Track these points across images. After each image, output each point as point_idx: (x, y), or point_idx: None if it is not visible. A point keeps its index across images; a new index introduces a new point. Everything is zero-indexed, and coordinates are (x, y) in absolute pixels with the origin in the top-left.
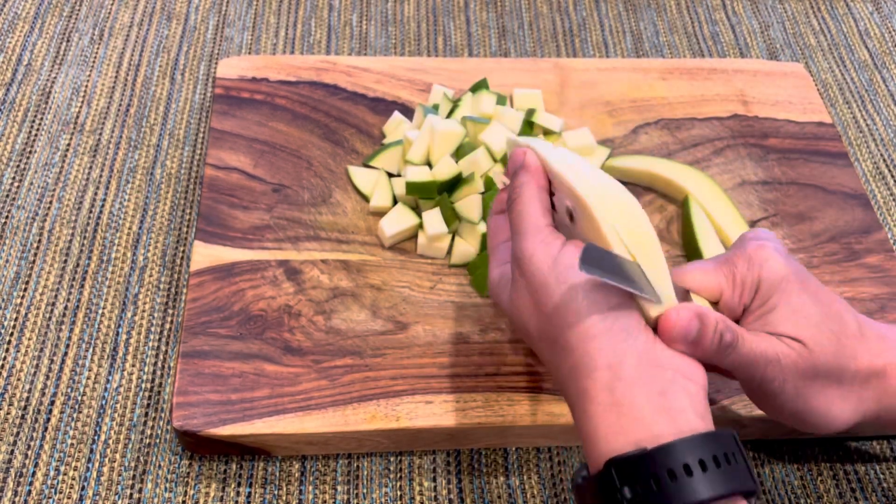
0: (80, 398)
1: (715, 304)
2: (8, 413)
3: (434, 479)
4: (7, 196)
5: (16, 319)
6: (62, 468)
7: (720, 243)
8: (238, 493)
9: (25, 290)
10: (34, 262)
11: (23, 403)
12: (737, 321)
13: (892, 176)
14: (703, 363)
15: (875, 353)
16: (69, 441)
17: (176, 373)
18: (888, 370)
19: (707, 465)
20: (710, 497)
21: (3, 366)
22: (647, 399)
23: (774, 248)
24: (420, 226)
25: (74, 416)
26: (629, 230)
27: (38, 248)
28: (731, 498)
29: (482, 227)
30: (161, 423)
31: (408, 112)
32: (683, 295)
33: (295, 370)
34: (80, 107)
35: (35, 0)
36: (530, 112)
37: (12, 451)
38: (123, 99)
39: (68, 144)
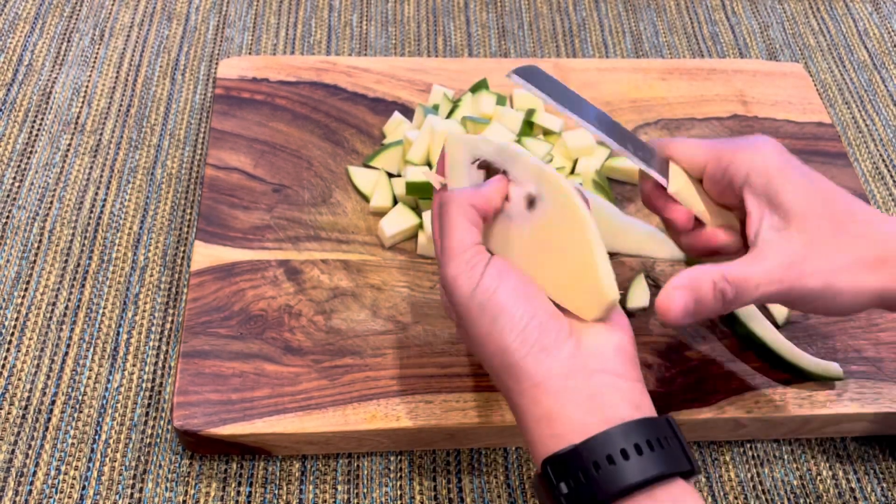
0: (80, 398)
1: (700, 181)
2: (9, 413)
3: (434, 479)
4: (8, 196)
5: (16, 319)
6: (63, 468)
7: None
8: (238, 493)
9: (26, 289)
10: (35, 261)
11: (23, 403)
12: (719, 196)
13: (892, 176)
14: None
15: (880, 239)
16: (70, 441)
17: (176, 372)
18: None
19: (630, 453)
20: (640, 480)
21: (3, 365)
22: (577, 405)
23: (764, 142)
24: (420, 226)
25: (75, 415)
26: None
27: (38, 248)
28: (668, 480)
29: None
30: (161, 422)
31: (408, 112)
32: (662, 164)
33: (295, 370)
34: (81, 107)
35: (36, 0)
36: (530, 112)
37: (13, 451)
38: (124, 99)
39: (69, 144)
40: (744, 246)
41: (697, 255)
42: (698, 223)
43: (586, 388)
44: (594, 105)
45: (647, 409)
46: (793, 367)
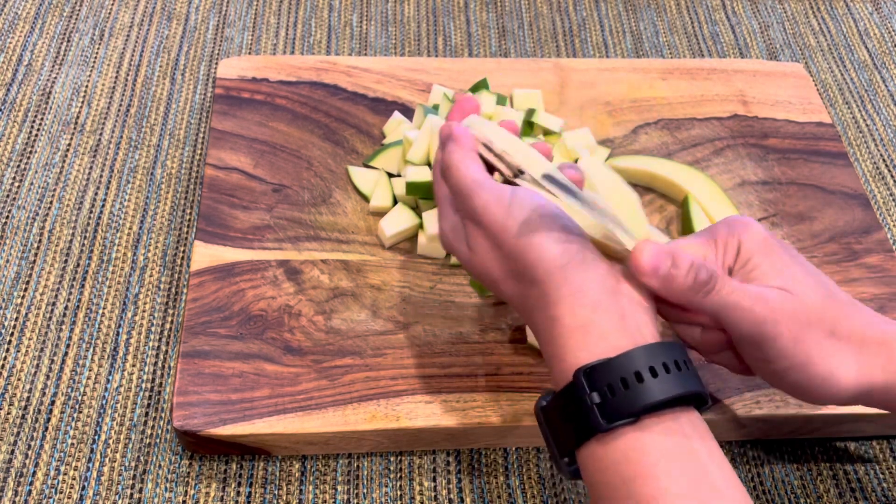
0: (80, 398)
1: None
2: (8, 413)
3: (434, 479)
4: (7, 196)
5: (16, 319)
6: (62, 468)
7: None
8: (238, 493)
9: (26, 290)
10: (34, 262)
11: (23, 403)
12: None
13: (892, 176)
14: (689, 316)
15: (873, 322)
16: (69, 441)
17: (176, 373)
18: (891, 342)
19: (657, 371)
20: (669, 398)
21: (3, 366)
22: (609, 320)
23: (753, 220)
24: (420, 226)
25: (75, 415)
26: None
27: (38, 248)
28: (684, 407)
29: None
30: (161, 422)
31: (408, 112)
32: None
33: (295, 370)
34: (81, 107)
35: (35, 0)
36: (530, 112)
37: (13, 451)
38: (124, 99)
39: (69, 144)
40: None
41: (717, 351)
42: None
43: (617, 307)
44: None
45: (659, 338)
46: None
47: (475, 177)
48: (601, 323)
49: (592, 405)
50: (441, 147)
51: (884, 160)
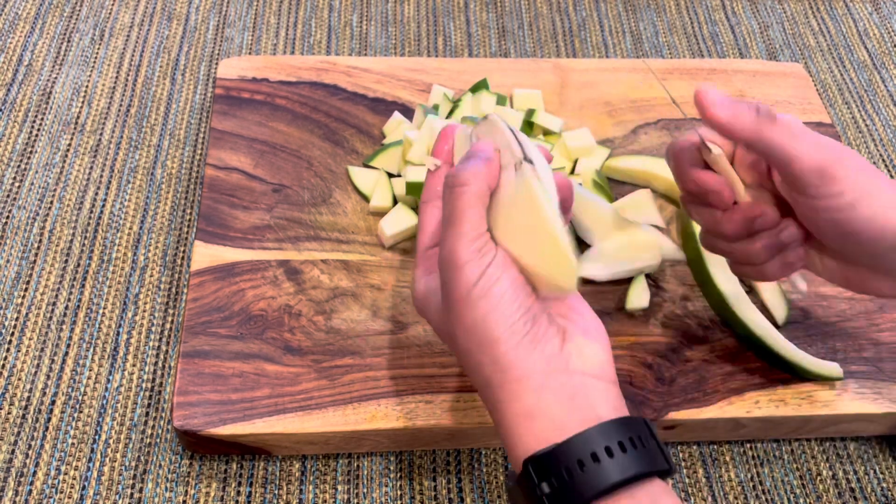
0: (80, 398)
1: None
2: (9, 413)
3: (434, 479)
4: (8, 196)
5: (16, 319)
6: (63, 468)
7: None
8: (238, 493)
9: (26, 290)
10: (35, 262)
11: (23, 403)
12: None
13: (892, 176)
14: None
15: None
16: (70, 441)
17: (176, 373)
18: None
19: (613, 451)
20: (622, 479)
21: (3, 366)
22: (557, 403)
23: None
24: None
25: (75, 415)
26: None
27: (38, 248)
28: (646, 479)
29: None
30: (161, 422)
31: (408, 112)
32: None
33: (295, 370)
34: (81, 107)
35: (36, 0)
36: (530, 112)
37: (13, 451)
38: (124, 99)
39: (69, 144)
40: (779, 220)
41: (734, 233)
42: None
43: (567, 387)
44: None
45: (623, 410)
46: (793, 367)
47: (477, 224)
48: (547, 407)
49: (542, 496)
50: (463, 160)
51: (884, 160)
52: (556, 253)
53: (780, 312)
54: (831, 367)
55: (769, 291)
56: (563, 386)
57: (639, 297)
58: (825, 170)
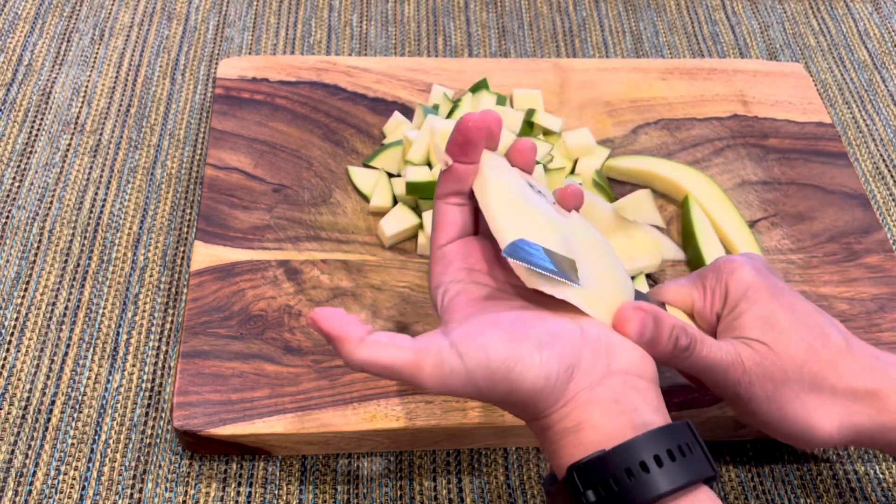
0: (80, 398)
1: (691, 316)
2: (8, 413)
3: (434, 479)
4: (8, 196)
5: (16, 319)
6: (62, 468)
7: (720, 243)
8: (238, 493)
9: (26, 290)
10: (35, 262)
11: (23, 403)
12: (713, 332)
13: (892, 176)
14: (670, 367)
15: (866, 371)
16: (69, 441)
17: (176, 373)
18: (882, 392)
19: (663, 461)
20: (670, 489)
21: (3, 366)
22: (602, 412)
23: (744, 262)
24: (420, 226)
25: (75, 415)
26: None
27: (38, 248)
28: (693, 486)
29: None
30: (161, 422)
31: (408, 112)
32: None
33: (295, 370)
34: (81, 107)
35: (35, 0)
36: (530, 112)
37: (13, 451)
38: (124, 99)
39: (69, 144)
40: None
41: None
42: None
43: (610, 392)
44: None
45: (665, 413)
46: None
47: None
48: (593, 418)
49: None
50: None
51: (884, 160)
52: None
53: None
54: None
55: None
56: (606, 392)
57: None
58: (737, 399)
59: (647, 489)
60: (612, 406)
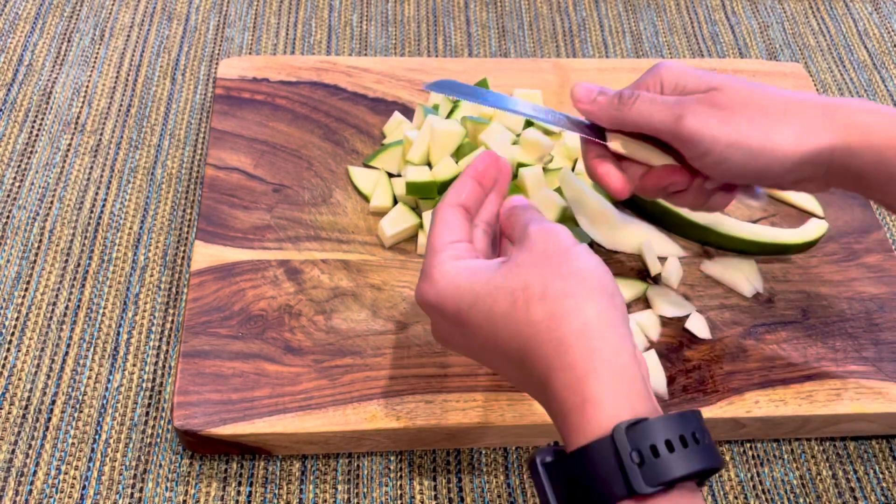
0: (80, 398)
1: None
2: (9, 413)
3: (434, 479)
4: (8, 196)
5: (17, 319)
6: (63, 467)
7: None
8: (239, 493)
9: (26, 289)
10: (35, 261)
11: (24, 403)
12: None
13: None
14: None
15: (811, 97)
16: (70, 440)
17: (177, 372)
18: (832, 106)
19: (688, 442)
20: (695, 470)
21: (3, 365)
22: (638, 380)
23: (666, 61)
24: (420, 226)
25: (75, 415)
26: None
27: (39, 247)
28: (686, 482)
29: None
30: (162, 422)
31: (408, 112)
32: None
33: (295, 370)
34: (81, 107)
35: (36, 0)
36: None
37: (13, 451)
38: (124, 99)
39: (69, 144)
40: (691, 179)
41: (652, 196)
42: (647, 169)
43: (641, 370)
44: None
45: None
46: (779, 247)
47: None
48: (633, 380)
49: (634, 464)
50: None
51: None
52: None
53: (750, 286)
54: (810, 228)
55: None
56: (639, 369)
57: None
58: (678, 134)
59: (677, 466)
60: (644, 384)
